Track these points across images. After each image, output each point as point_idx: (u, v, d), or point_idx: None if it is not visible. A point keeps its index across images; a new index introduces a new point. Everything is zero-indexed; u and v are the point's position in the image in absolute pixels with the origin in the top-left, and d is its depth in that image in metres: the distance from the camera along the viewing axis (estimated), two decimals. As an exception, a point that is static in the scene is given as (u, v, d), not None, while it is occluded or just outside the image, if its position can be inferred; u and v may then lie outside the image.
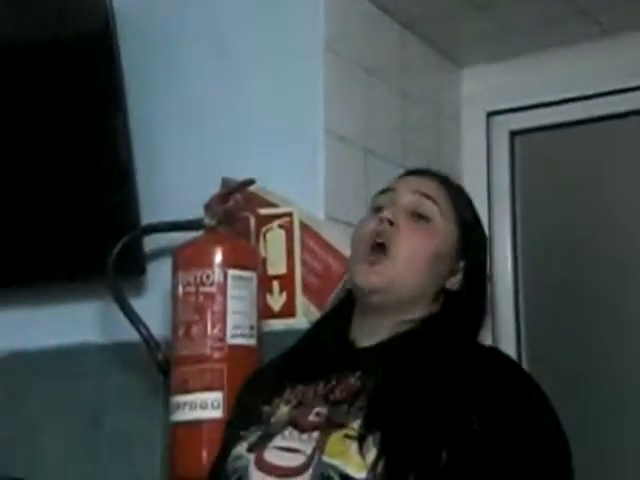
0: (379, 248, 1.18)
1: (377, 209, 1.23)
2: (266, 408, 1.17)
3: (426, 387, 1.06)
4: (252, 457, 1.10)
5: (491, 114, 2.08)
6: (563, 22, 1.92)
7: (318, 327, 1.29)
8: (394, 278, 1.17)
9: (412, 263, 1.17)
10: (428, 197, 1.21)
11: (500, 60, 2.05)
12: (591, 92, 1.98)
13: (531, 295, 2.00)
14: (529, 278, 2.00)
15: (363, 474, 1.00)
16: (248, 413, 1.19)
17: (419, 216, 1.20)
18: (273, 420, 1.14)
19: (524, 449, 1.01)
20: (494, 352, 1.17)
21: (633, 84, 1.94)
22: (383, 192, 1.25)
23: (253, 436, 1.13)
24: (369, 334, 1.19)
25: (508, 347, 1.85)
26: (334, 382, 1.13)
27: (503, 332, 1.92)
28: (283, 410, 1.14)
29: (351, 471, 1.00)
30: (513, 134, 2.08)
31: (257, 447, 1.11)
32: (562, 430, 1.05)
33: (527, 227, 2.03)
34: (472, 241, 1.23)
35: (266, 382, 1.23)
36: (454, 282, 1.21)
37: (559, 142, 2.04)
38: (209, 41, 1.78)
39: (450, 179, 1.28)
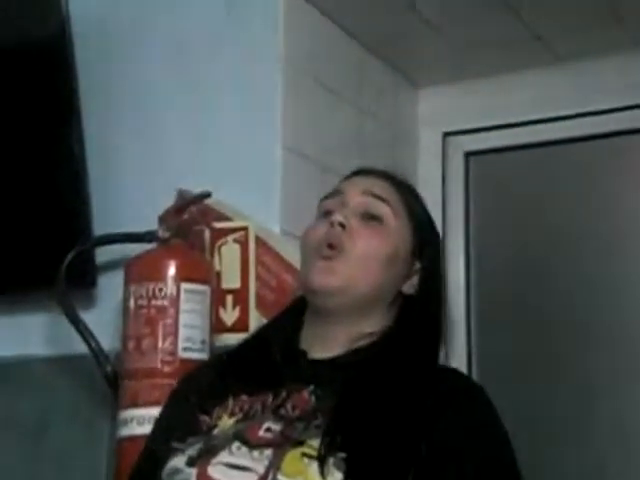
0: (331, 251, 1.12)
1: (326, 213, 1.17)
2: (205, 418, 1.08)
3: (388, 409, 1.02)
4: (193, 472, 1.01)
5: (447, 134, 2.11)
6: (519, 47, 1.96)
7: (265, 333, 1.20)
8: (350, 278, 1.10)
9: (366, 265, 1.11)
10: (379, 198, 1.15)
11: (457, 82, 2.08)
12: (545, 116, 2.02)
13: (484, 311, 2.02)
14: (482, 294, 2.03)
15: None
16: (182, 422, 1.10)
17: (371, 217, 1.14)
18: (216, 432, 1.06)
19: (483, 464, 1.00)
20: (454, 373, 1.14)
21: (585, 109, 1.98)
22: (331, 195, 1.19)
23: (192, 449, 1.04)
24: (322, 345, 1.12)
25: (459, 362, 1.87)
26: (284, 395, 1.06)
27: (454, 346, 1.94)
28: (227, 422, 1.06)
29: None
30: (468, 155, 2.11)
31: (199, 462, 1.02)
32: (514, 453, 1.04)
33: (480, 245, 2.06)
34: (426, 241, 1.18)
35: (203, 388, 1.14)
36: (410, 286, 1.16)
37: (512, 164, 2.08)
38: (168, 53, 1.77)
39: (399, 177, 1.22)
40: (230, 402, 1.09)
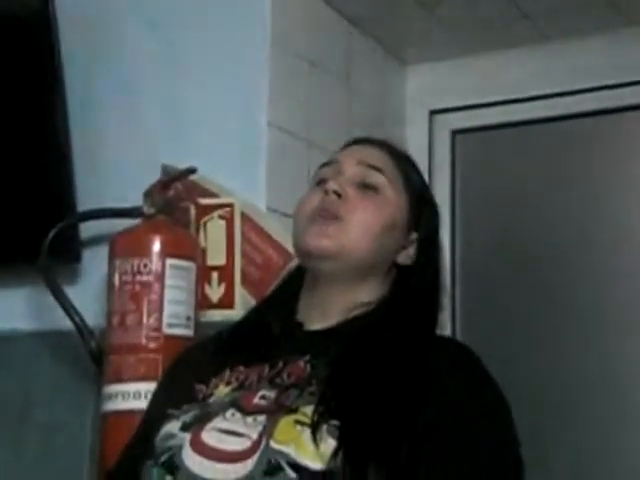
0: (327, 218, 1.10)
1: (320, 181, 1.15)
2: (201, 387, 1.09)
3: (383, 377, 1.02)
4: (187, 437, 1.01)
5: (434, 112, 2.10)
6: (506, 25, 1.95)
7: (263, 306, 1.21)
8: (345, 244, 1.09)
9: (362, 234, 1.10)
10: (375, 168, 1.14)
11: (444, 60, 2.08)
12: (530, 95, 2.02)
13: (469, 291, 2.02)
14: (467, 274, 2.03)
15: (319, 464, 0.94)
16: (179, 390, 1.10)
17: (367, 187, 1.13)
18: (211, 400, 1.06)
19: (477, 440, 0.99)
20: (451, 342, 1.14)
21: (572, 88, 1.98)
22: (326, 165, 1.18)
23: (187, 415, 1.04)
24: (319, 316, 1.12)
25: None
26: (280, 365, 1.06)
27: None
28: (223, 391, 1.07)
29: (305, 460, 0.94)
30: (454, 133, 2.11)
31: (193, 427, 1.02)
32: (512, 420, 1.03)
33: (466, 223, 2.06)
34: (423, 211, 1.16)
35: (201, 360, 1.15)
36: (406, 256, 1.14)
37: (499, 142, 2.08)
38: (151, 28, 1.76)
39: (395, 146, 1.21)
40: (227, 372, 1.09)
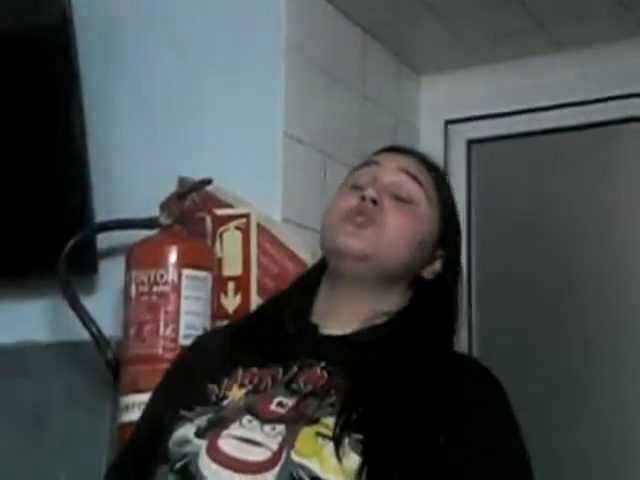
0: (364, 217, 1.08)
1: (356, 187, 1.12)
2: (213, 388, 1.05)
3: (405, 391, 0.99)
4: (203, 444, 0.98)
5: (449, 122, 2.10)
6: (521, 35, 1.95)
7: (277, 304, 1.17)
8: (377, 249, 1.07)
9: (395, 244, 1.08)
10: (415, 178, 1.12)
11: (459, 70, 2.07)
12: (546, 104, 2.01)
13: (485, 301, 2.01)
14: (484, 283, 2.02)
15: None
16: (190, 389, 1.07)
17: (404, 199, 1.11)
18: (225, 403, 1.03)
19: (499, 457, 0.99)
20: (471, 360, 1.14)
21: (587, 97, 1.98)
22: (365, 165, 1.15)
23: (201, 419, 1.01)
24: (335, 320, 1.09)
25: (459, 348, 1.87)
26: (295, 370, 1.04)
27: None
28: (237, 393, 1.03)
29: (328, 476, 0.93)
30: (470, 142, 2.10)
31: (209, 433, 0.99)
32: (524, 442, 1.04)
33: (482, 233, 2.05)
34: (451, 229, 1.16)
35: (212, 357, 1.12)
36: (431, 271, 1.14)
37: (514, 151, 2.08)
38: (169, 40, 1.77)
39: (431, 160, 1.20)
40: (239, 373, 1.06)
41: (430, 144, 2.07)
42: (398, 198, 1.12)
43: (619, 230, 1.96)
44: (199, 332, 1.42)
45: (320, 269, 1.16)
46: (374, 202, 1.09)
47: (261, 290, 1.52)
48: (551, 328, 1.95)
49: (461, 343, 1.91)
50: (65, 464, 1.65)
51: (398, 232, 1.10)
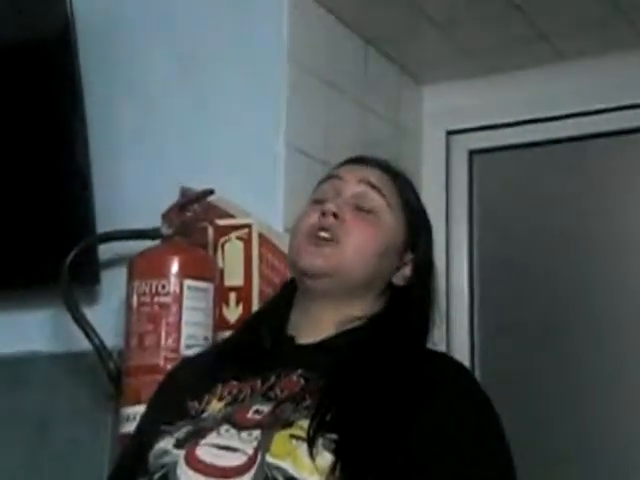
0: (324, 241, 1.11)
1: (318, 201, 1.15)
2: (194, 404, 1.07)
3: (377, 390, 1.01)
4: (181, 453, 1.00)
5: (451, 133, 2.11)
6: (523, 46, 1.95)
7: (254, 320, 1.21)
8: (340, 264, 1.10)
9: (358, 257, 1.11)
10: (375, 188, 1.14)
11: (461, 80, 2.08)
12: (548, 115, 2.02)
13: (487, 309, 2.02)
14: (485, 293, 2.02)
15: (317, 478, 0.94)
16: (172, 407, 1.09)
17: (365, 210, 1.13)
18: (205, 416, 1.05)
19: (471, 453, 0.99)
20: (443, 356, 1.13)
21: (588, 108, 1.98)
22: (326, 180, 1.18)
23: (180, 432, 1.03)
24: (310, 330, 1.12)
25: (462, 358, 1.86)
26: (273, 379, 1.06)
27: (457, 344, 1.94)
28: (216, 406, 1.06)
29: (302, 475, 0.94)
30: (472, 153, 2.10)
31: (187, 443, 1.01)
32: (504, 434, 1.03)
33: (484, 243, 2.05)
34: (419, 232, 1.17)
35: (193, 375, 1.15)
36: (401, 277, 1.15)
37: (516, 162, 2.08)
38: (172, 51, 1.77)
39: (394, 166, 1.21)
40: (219, 387, 1.08)
41: (432, 154, 2.09)
42: (360, 209, 1.14)
43: (622, 236, 1.95)
44: (200, 342, 1.42)
45: (294, 285, 1.19)
46: (335, 216, 1.12)
47: (263, 300, 1.52)
48: (550, 337, 1.95)
49: (462, 347, 1.94)
50: (66, 475, 1.65)
51: (359, 245, 1.12)
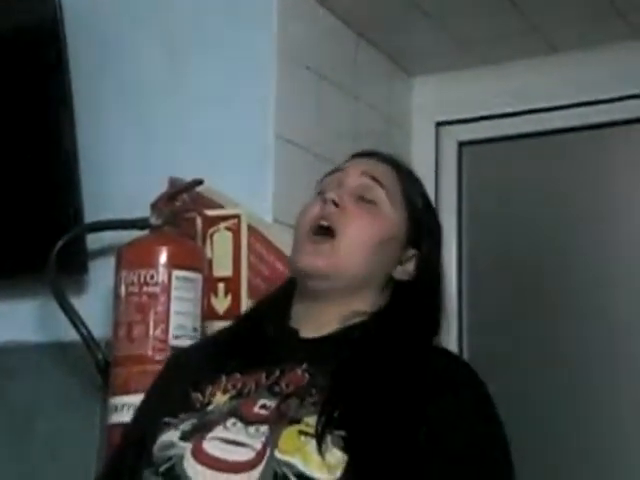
0: (324, 231, 1.12)
1: (321, 192, 1.17)
2: (197, 395, 1.07)
3: (384, 386, 1.02)
4: (188, 446, 1.00)
5: (440, 124, 2.11)
6: (514, 37, 1.95)
7: (256, 310, 1.21)
8: (339, 261, 1.11)
9: (356, 248, 1.12)
10: (376, 180, 1.15)
11: (451, 71, 2.08)
12: (538, 106, 2.02)
13: (475, 302, 2.02)
14: (474, 284, 2.03)
15: (325, 475, 0.94)
16: (174, 398, 1.09)
17: (365, 200, 1.14)
18: (210, 409, 1.05)
19: (478, 451, 1.00)
20: (447, 354, 1.14)
21: (579, 100, 1.98)
22: (330, 174, 1.20)
23: (185, 424, 1.03)
24: (314, 324, 1.12)
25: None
26: (278, 373, 1.06)
27: (444, 339, 1.94)
28: (221, 399, 1.06)
29: (311, 471, 0.94)
30: (461, 144, 2.11)
31: (193, 436, 1.01)
32: (506, 437, 1.04)
33: (473, 235, 2.06)
34: (424, 230, 1.17)
35: (195, 365, 1.14)
36: (402, 272, 1.15)
37: (505, 153, 2.08)
38: (160, 40, 1.77)
39: (401, 163, 1.23)
40: (223, 380, 1.08)
41: (421, 145, 2.09)
42: (361, 199, 1.15)
43: (613, 229, 1.95)
44: (189, 333, 1.42)
45: (294, 280, 1.19)
46: (336, 204, 1.13)
47: (251, 291, 1.52)
48: (543, 330, 1.96)
49: (450, 344, 1.94)
50: (54, 465, 1.65)
51: (357, 236, 1.12)
